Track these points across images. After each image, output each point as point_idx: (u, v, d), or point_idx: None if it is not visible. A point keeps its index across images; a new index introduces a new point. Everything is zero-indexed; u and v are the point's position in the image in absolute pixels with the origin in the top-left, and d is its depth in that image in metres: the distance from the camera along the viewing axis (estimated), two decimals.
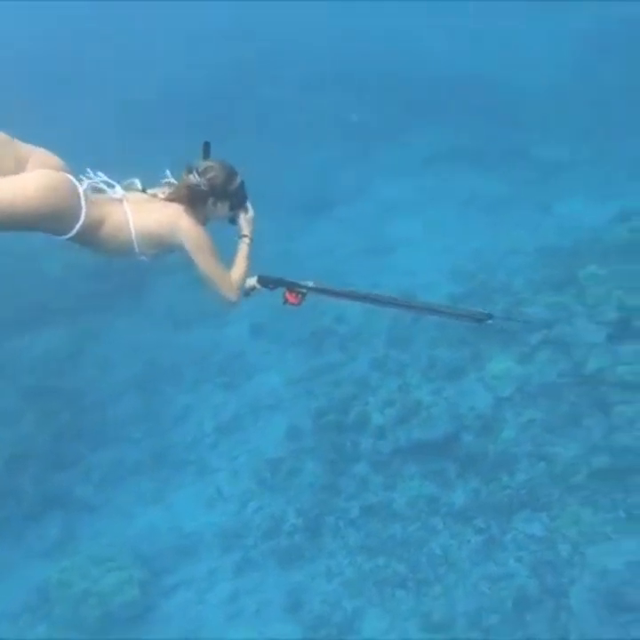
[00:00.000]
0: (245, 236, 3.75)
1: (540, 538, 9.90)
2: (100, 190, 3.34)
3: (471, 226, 16.97)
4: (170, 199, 3.51)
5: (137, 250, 3.39)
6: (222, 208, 3.62)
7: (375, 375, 13.03)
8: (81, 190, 3.14)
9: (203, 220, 3.54)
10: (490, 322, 4.05)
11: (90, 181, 3.28)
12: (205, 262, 3.43)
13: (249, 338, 15.05)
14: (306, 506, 11.20)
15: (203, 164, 3.50)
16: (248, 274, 3.72)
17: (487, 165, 20.20)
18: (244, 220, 3.75)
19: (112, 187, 3.38)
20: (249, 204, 3.78)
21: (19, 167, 3.02)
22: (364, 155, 21.82)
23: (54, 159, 3.21)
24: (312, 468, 11.71)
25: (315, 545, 10.69)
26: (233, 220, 3.78)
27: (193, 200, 3.46)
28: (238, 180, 3.60)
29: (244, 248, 3.74)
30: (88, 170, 3.34)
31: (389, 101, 24.67)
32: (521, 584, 9.42)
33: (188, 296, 14.43)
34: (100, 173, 3.38)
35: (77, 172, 3.33)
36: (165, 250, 3.52)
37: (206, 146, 3.56)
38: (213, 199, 3.52)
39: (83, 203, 3.11)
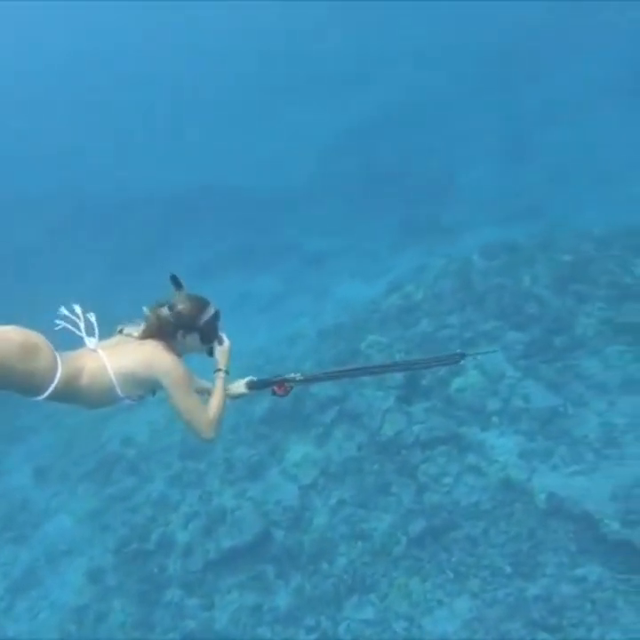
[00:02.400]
0: (220, 369, 3.81)
1: (373, 621, 9.75)
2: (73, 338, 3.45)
3: (249, 326, 17.46)
4: (143, 336, 3.57)
5: (120, 393, 3.43)
6: (193, 341, 3.64)
7: (173, 492, 12.58)
8: (55, 352, 3.22)
9: (178, 353, 3.59)
10: (462, 362, 4.28)
11: (62, 326, 3.44)
12: (181, 399, 3.45)
13: (32, 483, 14.24)
14: None
15: (174, 298, 3.58)
16: (224, 408, 3.70)
17: (258, 265, 21.25)
18: (220, 353, 3.83)
19: (85, 333, 3.48)
20: (224, 336, 3.85)
21: None
22: (125, 283, 21.75)
23: (26, 330, 3.22)
24: (121, 606, 10.79)
25: None
26: (210, 352, 3.81)
27: (163, 333, 3.54)
28: (210, 312, 3.65)
29: (219, 382, 3.77)
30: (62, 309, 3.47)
31: (137, 226, 25.30)
32: None
33: None
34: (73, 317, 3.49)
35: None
36: (148, 388, 3.55)
37: (174, 278, 3.65)
38: (182, 332, 3.58)
39: (58, 360, 3.20)
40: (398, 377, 12.15)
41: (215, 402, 3.68)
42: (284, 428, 12.46)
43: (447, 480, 10.77)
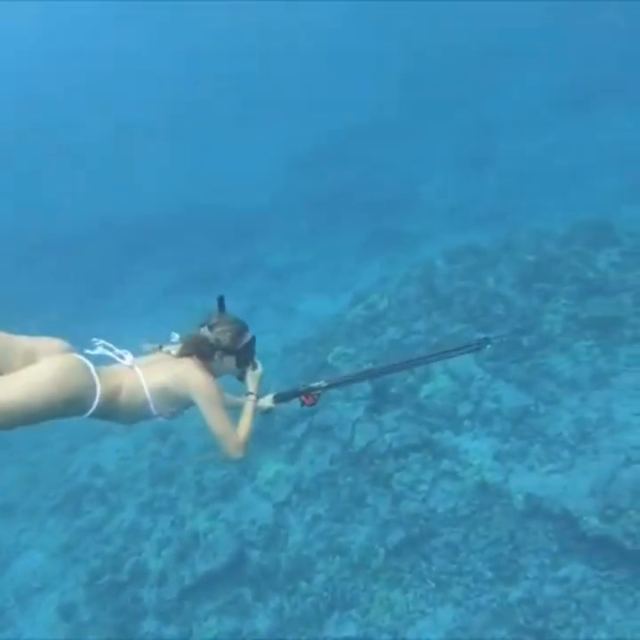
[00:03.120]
0: (251, 393, 3.89)
1: (356, 638, 9.49)
2: (109, 359, 3.53)
3: None
4: (181, 354, 3.65)
5: (154, 410, 3.55)
6: (229, 363, 3.77)
7: (145, 519, 12.23)
8: (92, 368, 3.28)
9: (213, 373, 3.69)
10: (488, 346, 4.39)
11: (97, 353, 3.47)
12: (213, 417, 3.54)
13: None
14: None
15: (215, 319, 3.73)
16: (251, 429, 3.78)
17: (222, 283, 21.08)
18: (251, 377, 3.93)
19: (120, 356, 3.57)
20: (258, 362, 3.97)
21: (27, 361, 3.12)
22: (92, 310, 21.37)
23: (58, 343, 3.31)
24: None
25: None
26: (240, 377, 3.93)
27: (201, 352, 3.64)
28: (248, 337, 3.78)
29: (249, 405, 3.85)
30: (94, 340, 3.54)
31: (101, 253, 25.08)
32: None
33: None
34: (104, 342, 3.56)
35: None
36: (181, 406, 3.65)
37: (221, 300, 3.79)
38: (220, 353, 3.69)
39: (96, 379, 3.26)
40: (367, 387, 11.98)
41: (244, 425, 3.76)
42: (255, 446, 12.14)
43: (423, 487, 10.58)
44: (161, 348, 3.75)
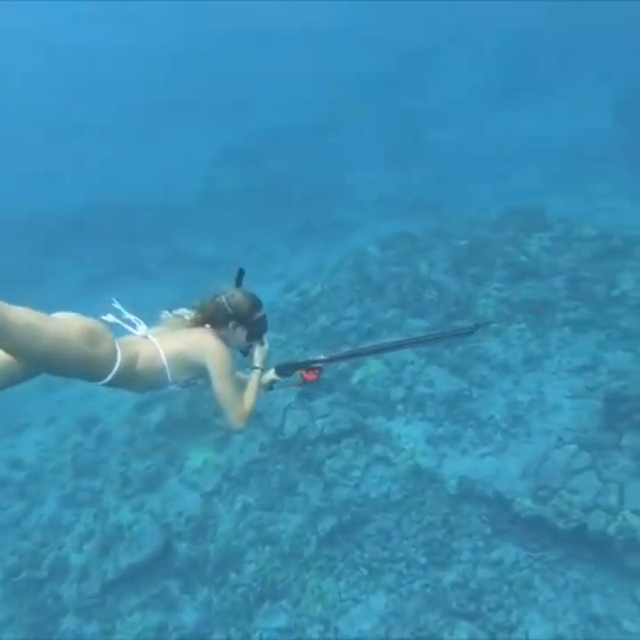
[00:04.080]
0: (257, 368, 3.93)
1: (287, 628, 9.28)
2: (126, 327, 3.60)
3: None
4: (196, 321, 3.76)
5: (170, 377, 3.59)
6: (241, 334, 3.82)
7: (67, 513, 11.72)
8: (113, 337, 3.34)
9: (224, 342, 3.73)
10: (479, 330, 4.46)
11: (112, 320, 3.52)
12: (223, 385, 3.61)
13: None
14: None
15: (232, 290, 3.80)
16: (256, 402, 3.83)
17: (150, 275, 20.67)
18: (259, 353, 3.97)
19: (134, 325, 3.62)
20: (265, 339, 4.01)
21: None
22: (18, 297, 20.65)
23: (75, 315, 3.28)
24: None
25: None
26: (245, 351, 3.95)
27: (216, 320, 3.74)
28: (262, 311, 3.85)
29: (254, 379, 3.89)
30: (114, 300, 3.62)
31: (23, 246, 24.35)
32: None
33: None
34: (122, 311, 3.63)
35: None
36: (195, 374, 3.71)
37: (241, 273, 3.86)
38: (234, 322, 3.76)
39: (117, 347, 3.32)
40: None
41: (250, 396, 3.81)
42: (182, 435, 11.84)
43: (355, 473, 10.42)
44: (173, 314, 3.84)
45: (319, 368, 4.08)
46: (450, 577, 9.17)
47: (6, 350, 3.00)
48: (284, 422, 11.12)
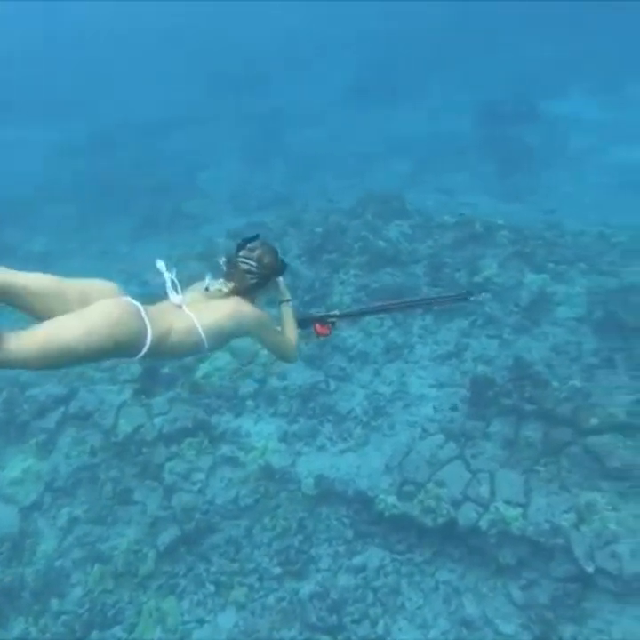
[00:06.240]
0: (288, 300, 4.07)
1: None
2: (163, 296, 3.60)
3: None
4: (232, 292, 3.71)
5: (207, 347, 3.58)
6: (274, 284, 3.92)
7: None
8: (143, 311, 3.28)
9: (253, 300, 3.80)
10: (472, 298, 4.59)
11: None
12: (272, 338, 3.82)
13: None
14: None
15: (252, 254, 3.75)
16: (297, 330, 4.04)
17: None
18: (283, 285, 4.05)
19: (175, 288, 3.62)
20: None
21: (82, 303, 3.16)
22: None
23: (110, 287, 3.34)
24: None
25: None
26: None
27: (254, 290, 3.76)
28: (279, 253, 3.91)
29: (288, 312, 4.05)
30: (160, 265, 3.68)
31: None
32: None
33: None
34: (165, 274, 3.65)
35: None
36: (229, 339, 3.72)
37: (255, 237, 3.82)
38: (272, 279, 3.84)
39: (147, 323, 3.27)
40: (135, 368, 10.64)
41: (291, 329, 3.98)
42: None
43: (199, 476, 9.43)
44: (207, 289, 3.75)
45: (332, 323, 4.14)
46: (308, 587, 8.39)
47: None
48: (117, 422, 9.94)
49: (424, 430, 9.45)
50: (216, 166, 24.58)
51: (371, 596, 8.14)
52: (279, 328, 3.95)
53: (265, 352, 11.04)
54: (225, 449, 9.74)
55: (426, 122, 24.98)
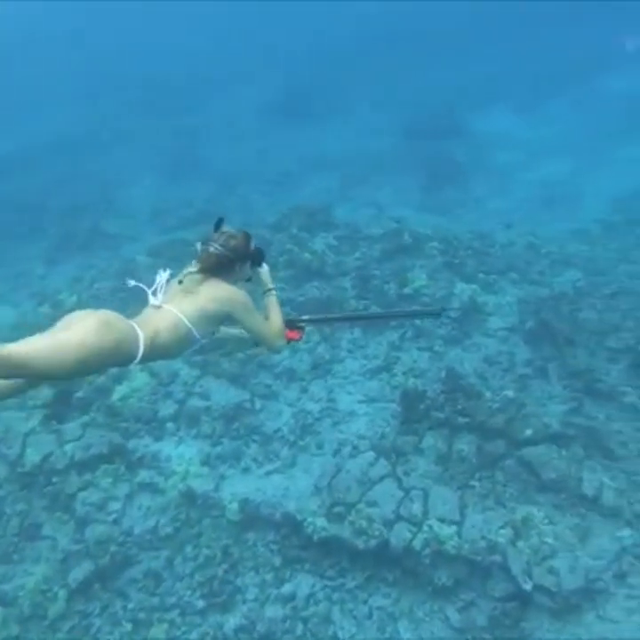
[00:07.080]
0: (271, 288, 4.16)
1: None
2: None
3: None
4: (203, 276, 3.76)
5: (198, 336, 3.70)
6: (246, 268, 3.99)
7: None
8: (133, 321, 3.45)
9: (233, 283, 3.88)
10: (444, 313, 4.73)
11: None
12: (254, 322, 3.89)
13: None
14: None
15: (220, 237, 3.87)
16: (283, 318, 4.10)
17: None
18: (264, 275, 4.15)
19: (154, 292, 3.69)
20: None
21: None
22: None
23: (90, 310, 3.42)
24: None
25: None
26: (250, 278, 4.08)
27: (222, 270, 3.81)
28: (252, 238, 4.02)
29: (273, 299, 4.12)
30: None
31: None
32: None
33: None
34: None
35: None
36: (218, 323, 3.88)
37: (220, 221, 3.96)
38: (240, 263, 3.91)
39: (137, 328, 3.40)
40: (45, 393, 9.98)
41: (276, 315, 4.00)
42: None
43: (114, 506, 8.83)
44: (181, 282, 3.76)
45: (302, 328, 4.19)
46: (233, 621, 7.89)
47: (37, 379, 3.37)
48: (24, 451, 9.27)
49: (354, 448, 9.06)
50: (136, 184, 24.04)
51: (300, 627, 7.67)
52: (264, 316, 4.02)
53: (185, 371, 10.62)
54: (143, 475, 9.17)
55: (354, 138, 24.92)
